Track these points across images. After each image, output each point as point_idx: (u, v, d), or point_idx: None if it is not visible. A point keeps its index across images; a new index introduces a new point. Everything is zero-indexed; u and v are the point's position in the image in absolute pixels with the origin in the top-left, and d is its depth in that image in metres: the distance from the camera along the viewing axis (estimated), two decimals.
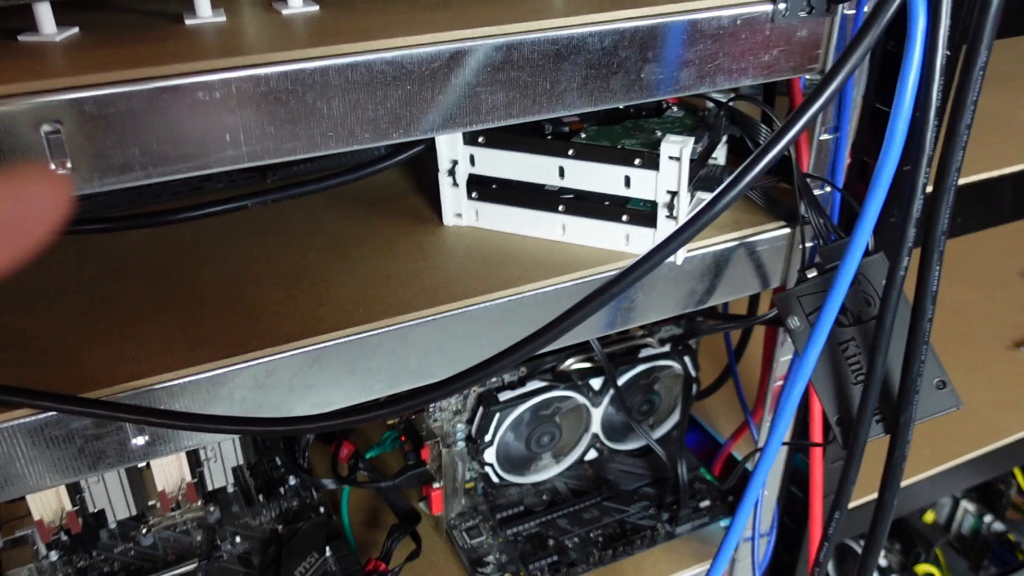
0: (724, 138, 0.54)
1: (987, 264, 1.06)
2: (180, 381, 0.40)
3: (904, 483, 0.76)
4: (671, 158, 0.46)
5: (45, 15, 0.37)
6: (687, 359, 0.68)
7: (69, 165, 0.34)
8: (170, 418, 0.38)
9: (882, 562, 1.01)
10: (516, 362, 0.38)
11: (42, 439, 0.38)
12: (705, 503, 0.69)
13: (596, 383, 0.66)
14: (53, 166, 0.33)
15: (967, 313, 0.98)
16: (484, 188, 0.51)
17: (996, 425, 0.81)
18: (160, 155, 0.35)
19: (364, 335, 0.43)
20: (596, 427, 0.68)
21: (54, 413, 0.38)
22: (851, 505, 0.67)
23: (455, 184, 0.51)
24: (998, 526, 1.06)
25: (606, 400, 0.67)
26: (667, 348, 0.67)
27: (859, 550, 0.98)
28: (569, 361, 0.65)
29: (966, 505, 1.09)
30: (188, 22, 0.40)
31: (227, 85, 0.35)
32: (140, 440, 0.40)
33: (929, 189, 0.41)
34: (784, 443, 0.53)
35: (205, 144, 0.36)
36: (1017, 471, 1.06)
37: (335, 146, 0.38)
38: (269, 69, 0.36)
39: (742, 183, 0.38)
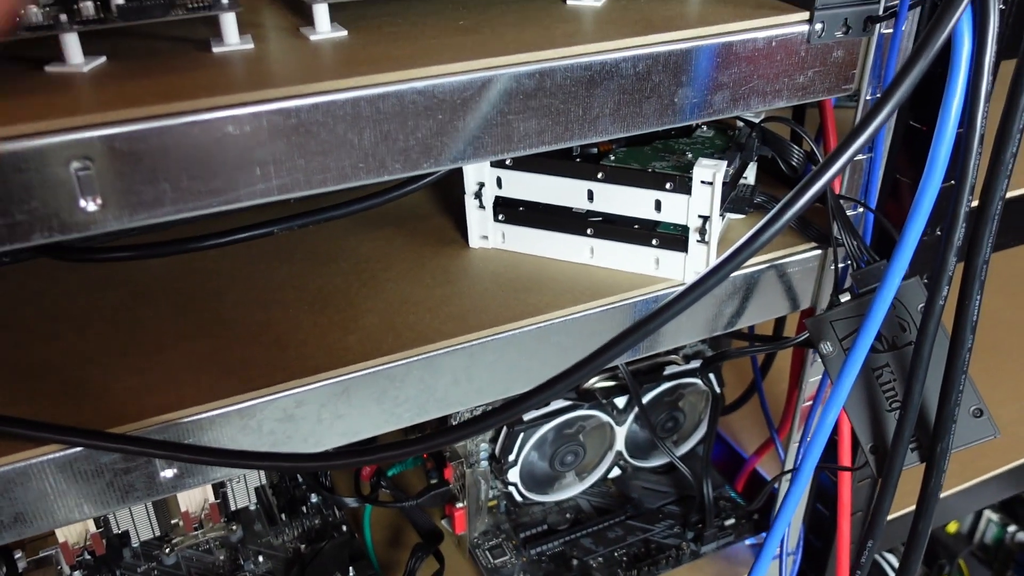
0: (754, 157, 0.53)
1: (1016, 273, 1.04)
2: (209, 414, 0.40)
3: None
4: (703, 182, 0.45)
5: (72, 46, 0.36)
6: (712, 376, 0.67)
7: (99, 202, 0.33)
8: (200, 454, 0.38)
9: None
10: (550, 398, 0.38)
11: (72, 473, 0.38)
12: (731, 521, 0.68)
13: (620, 401, 0.65)
14: (82, 202, 0.33)
15: (995, 323, 0.96)
16: (511, 210, 0.50)
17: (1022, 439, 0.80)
18: (190, 190, 0.35)
19: (393, 365, 0.43)
20: (620, 445, 0.68)
21: (83, 448, 0.37)
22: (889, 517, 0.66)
23: (481, 206, 0.51)
24: (1022, 536, 1.05)
25: (630, 418, 0.67)
26: (692, 366, 0.66)
27: (883, 563, 0.97)
28: (593, 379, 0.65)
29: (990, 515, 1.08)
30: (216, 50, 0.39)
31: (257, 119, 0.34)
32: (169, 473, 0.40)
33: (974, 203, 0.40)
34: (819, 467, 0.52)
35: (235, 178, 0.35)
36: None
37: (365, 177, 0.38)
38: (300, 101, 0.35)
39: (788, 214, 0.38)
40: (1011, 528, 1.06)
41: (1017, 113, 0.36)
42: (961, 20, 0.36)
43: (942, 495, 0.77)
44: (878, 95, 0.47)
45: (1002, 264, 1.05)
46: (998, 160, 0.37)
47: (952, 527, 1.08)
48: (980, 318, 0.96)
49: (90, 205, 0.33)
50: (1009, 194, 0.59)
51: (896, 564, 1.00)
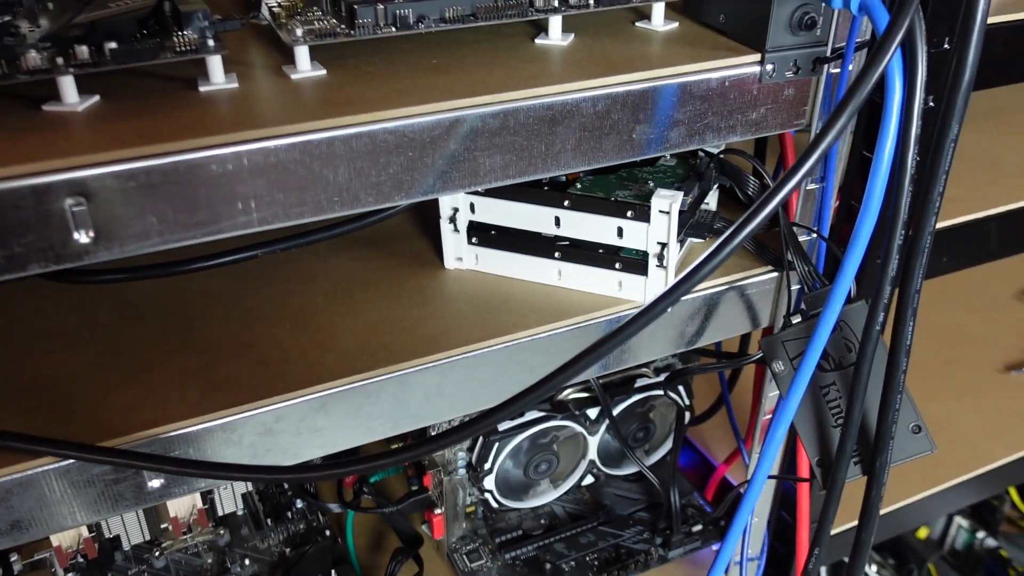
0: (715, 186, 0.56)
1: (982, 286, 1.08)
2: (194, 428, 0.42)
3: (896, 505, 0.79)
4: (661, 212, 0.48)
5: (68, 87, 0.39)
6: (681, 389, 0.70)
7: (92, 234, 0.36)
8: (184, 466, 0.40)
9: None
10: (514, 412, 0.41)
11: (66, 484, 0.41)
12: (697, 527, 0.71)
13: (592, 412, 0.68)
14: (76, 236, 0.36)
15: (960, 336, 0.99)
16: (484, 234, 0.53)
17: (985, 451, 0.83)
18: (176, 223, 0.37)
19: (367, 382, 0.46)
20: (593, 454, 0.71)
21: (75, 461, 0.40)
22: (845, 527, 0.69)
23: (456, 230, 0.53)
24: (991, 542, 1.08)
25: (602, 428, 0.69)
26: (661, 379, 0.69)
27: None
28: (566, 391, 0.68)
29: (960, 521, 1.10)
30: (202, 89, 0.42)
31: (239, 157, 0.37)
32: (156, 483, 0.43)
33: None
34: (770, 476, 0.55)
35: (218, 211, 0.38)
36: (1011, 489, 1.08)
37: (340, 210, 0.40)
38: (278, 141, 0.38)
39: (733, 244, 0.40)
40: (980, 534, 1.09)
41: (943, 154, 0.39)
42: (892, 65, 0.39)
43: (906, 502, 0.80)
44: None
45: (968, 280, 1.08)
46: (926, 199, 0.40)
47: (922, 533, 1.11)
48: (949, 332, 0.99)
49: (83, 237, 0.36)
50: (965, 219, 0.62)
51: (871, 571, 1.03)
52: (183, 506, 0.64)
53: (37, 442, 0.39)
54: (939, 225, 0.61)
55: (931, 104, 0.51)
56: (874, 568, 1.04)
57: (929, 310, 1.05)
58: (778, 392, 0.61)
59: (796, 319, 0.51)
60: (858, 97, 0.37)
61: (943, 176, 0.39)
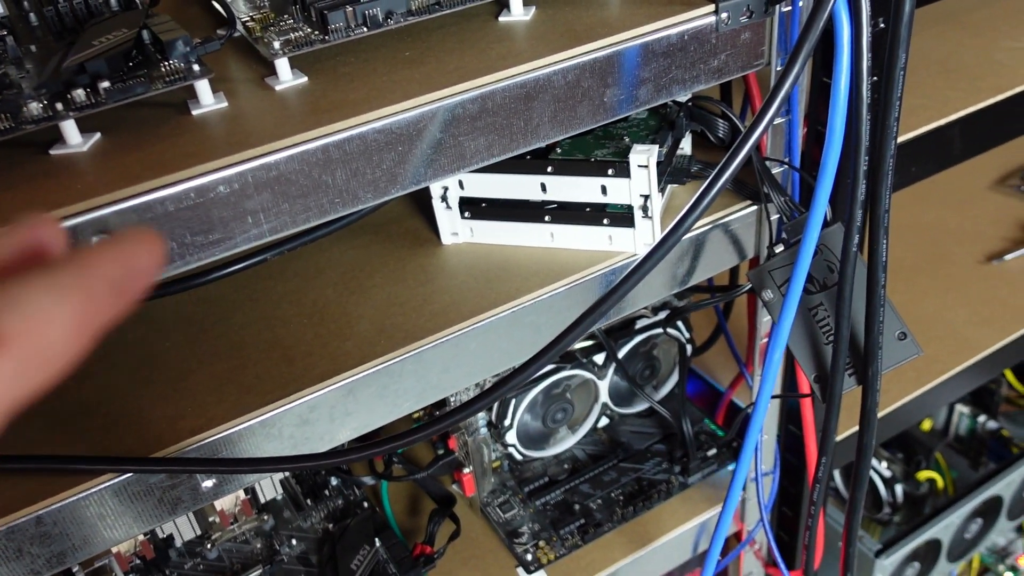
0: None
1: (957, 182, 1.11)
2: (235, 429, 0.46)
3: (897, 404, 0.83)
4: (640, 166, 0.51)
5: (71, 130, 0.42)
6: (680, 324, 0.73)
7: None
8: (235, 464, 0.44)
9: (886, 472, 1.08)
10: (528, 379, 0.44)
11: (126, 496, 0.44)
12: (712, 451, 0.75)
13: (599, 358, 0.72)
14: None
15: (940, 231, 1.03)
16: (475, 208, 0.56)
17: (975, 341, 0.87)
18: (194, 244, 0.40)
19: (389, 363, 0.49)
20: (604, 397, 0.74)
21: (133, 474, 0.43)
22: (849, 432, 0.73)
23: (448, 207, 0.56)
24: (992, 424, 1.13)
25: (610, 371, 0.73)
26: (661, 316, 0.72)
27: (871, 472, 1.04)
28: None
29: (961, 408, 1.15)
30: (195, 112, 0.44)
31: (243, 176, 0.40)
32: (209, 483, 0.46)
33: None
34: (773, 396, 0.59)
35: (231, 228, 0.41)
36: (1007, 372, 1.12)
37: (342, 210, 0.43)
38: (277, 156, 0.40)
39: (713, 191, 0.43)
40: (981, 418, 1.13)
41: (895, 83, 0.41)
42: (837, 5, 0.42)
43: (911, 397, 0.84)
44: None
45: (942, 177, 1.11)
46: (884, 125, 0.42)
47: (926, 425, 1.16)
48: (930, 229, 1.02)
49: None
50: (928, 128, 0.65)
51: (881, 467, 1.08)
52: (227, 499, 0.68)
53: (98, 461, 0.42)
54: (905, 137, 0.64)
55: (882, 26, 0.54)
56: (884, 464, 1.08)
57: (909, 212, 1.08)
58: (770, 318, 0.64)
59: (779, 248, 0.54)
60: (809, 42, 0.40)
61: (897, 103, 0.42)
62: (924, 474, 1.09)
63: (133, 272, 0.24)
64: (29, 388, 0.21)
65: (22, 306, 0.21)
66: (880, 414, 0.78)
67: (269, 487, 0.71)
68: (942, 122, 0.65)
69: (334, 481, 0.75)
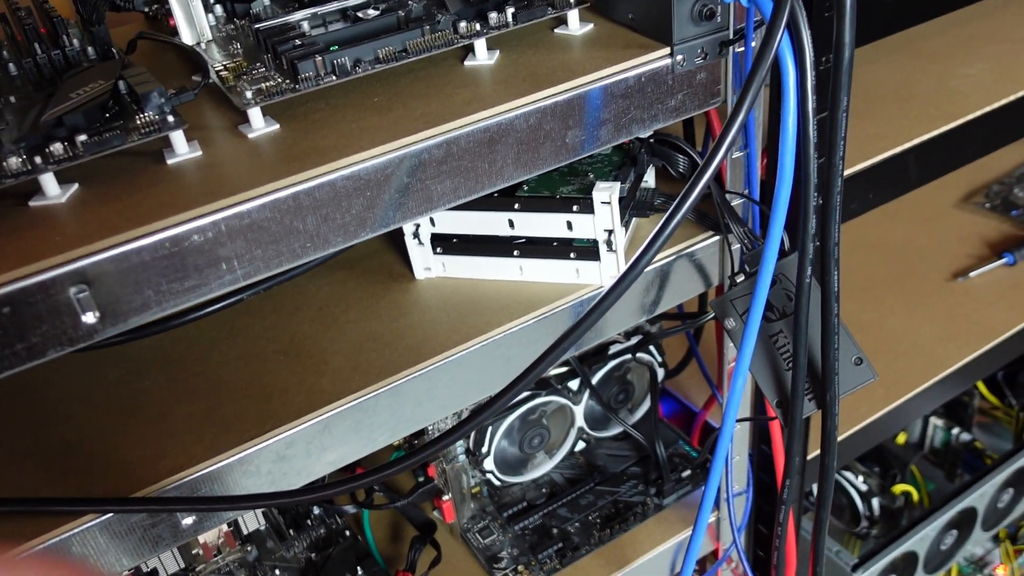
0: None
1: (923, 199, 1.13)
2: (214, 467, 0.47)
3: (871, 418, 0.84)
4: (603, 203, 0.53)
5: (50, 183, 0.43)
6: (652, 348, 0.75)
7: (98, 314, 0.40)
8: (213, 503, 0.45)
9: (862, 486, 1.09)
10: (502, 407, 0.45)
11: (108, 535, 0.45)
12: (686, 472, 0.77)
13: (574, 384, 0.73)
14: (84, 318, 0.40)
15: (906, 250, 1.05)
16: (447, 243, 0.58)
17: (943, 356, 0.89)
18: (170, 291, 0.42)
19: (363, 398, 0.50)
20: (580, 421, 0.76)
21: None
22: (816, 453, 0.75)
23: (421, 244, 0.58)
24: (965, 436, 1.15)
25: (585, 396, 0.75)
26: (633, 342, 0.74)
27: (843, 482, 1.06)
28: None
29: (935, 421, 1.17)
30: (170, 162, 0.45)
31: (216, 225, 0.41)
32: (189, 520, 0.47)
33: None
34: (738, 420, 0.61)
35: (206, 275, 0.42)
36: (979, 384, 1.15)
37: (314, 254, 0.45)
38: (249, 204, 0.42)
39: (672, 224, 0.45)
40: (955, 430, 1.15)
41: (838, 124, 0.43)
42: (782, 49, 0.44)
43: (883, 412, 0.86)
44: None
45: (912, 195, 1.14)
46: (831, 163, 0.44)
47: (901, 438, 1.18)
48: (895, 247, 1.04)
49: (90, 319, 0.40)
50: (883, 156, 0.67)
51: (858, 481, 1.10)
52: (210, 532, 0.69)
53: (79, 503, 0.44)
54: (862, 165, 0.66)
55: (827, 64, 0.56)
56: (860, 478, 1.10)
57: (877, 230, 1.10)
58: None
59: (740, 277, 0.56)
60: (754, 88, 0.42)
61: (841, 142, 0.44)
62: (900, 487, 1.10)
63: None
64: None
65: None
66: (853, 429, 0.81)
67: (251, 519, 0.72)
68: (898, 150, 0.67)
69: (316, 511, 0.76)
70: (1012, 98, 0.72)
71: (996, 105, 0.71)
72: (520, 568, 0.71)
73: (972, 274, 0.98)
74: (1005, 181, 1.13)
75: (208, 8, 0.57)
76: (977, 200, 1.11)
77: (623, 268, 0.55)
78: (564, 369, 0.73)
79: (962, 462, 1.16)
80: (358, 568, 0.70)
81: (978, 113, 0.70)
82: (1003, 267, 0.99)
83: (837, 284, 0.48)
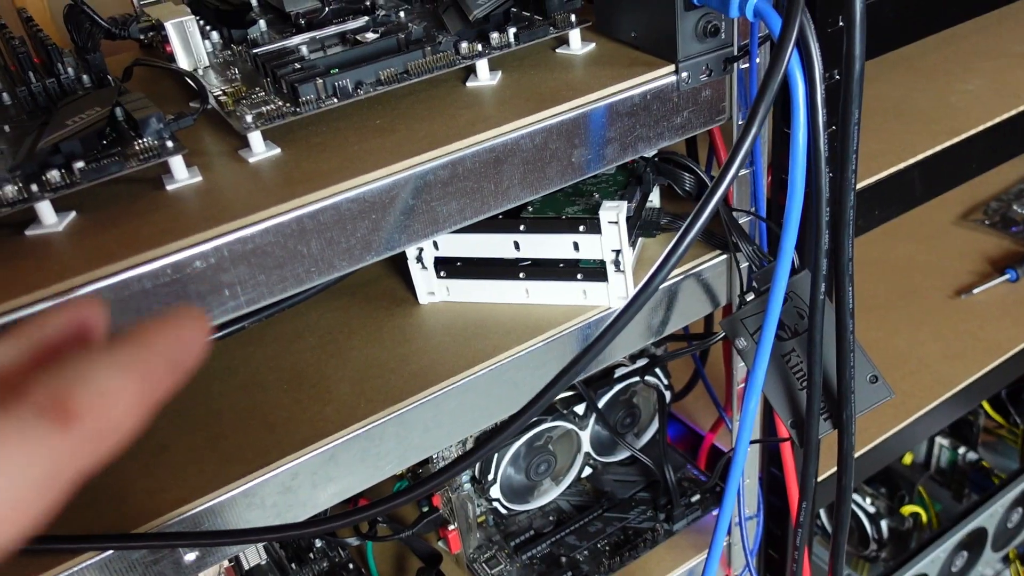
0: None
1: (923, 216, 1.13)
2: (217, 500, 0.46)
3: (877, 440, 0.84)
4: (610, 223, 0.52)
5: (46, 211, 0.42)
6: (658, 371, 0.74)
7: None
8: (217, 538, 0.44)
9: (870, 508, 1.08)
10: (511, 436, 0.44)
11: (109, 572, 0.44)
12: (696, 497, 0.75)
13: (580, 409, 0.72)
14: None
15: (909, 268, 1.04)
16: (450, 267, 0.57)
17: (948, 375, 0.88)
18: None
19: (369, 427, 0.49)
20: (587, 447, 0.75)
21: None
22: (830, 472, 0.74)
23: (424, 267, 0.57)
24: (972, 455, 1.13)
25: (591, 421, 0.73)
26: (640, 364, 0.73)
27: (852, 504, 1.05)
28: None
29: (941, 441, 1.16)
30: (169, 188, 0.45)
31: (219, 251, 0.40)
32: (191, 556, 0.46)
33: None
34: (752, 442, 0.60)
35: (209, 301, 0.41)
36: (984, 402, 1.14)
37: (318, 278, 0.44)
38: (252, 229, 0.41)
39: (681, 248, 0.44)
40: (961, 450, 1.14)
41: (850, 138, 0.43)
42: (791, 66, 0.43)
43: (889, 434, 0.85)
44: None
45: (912, 213, 1.13)
46: (843, 178, 0.44)
47: (907, 459, 1.17)
48: (899, 266, 1.04)
49: None
50: (888, 172, 0.67)
51: (866, 503, 1.09)
52: (211, 569, 0.67)
53: (78, 540, 0.42)
54: (867, 181, 0.65)
55: (837, 77, 0.56)
56: (868, 500, 1.09)
57: (879, 247, 1.10)
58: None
59: (750, 296, 0.55)
60: (765, 103, 0.41)
61: (853, 156, 0.43)
62: (908, 508, 1.09)
63: (185, 348, 0.26)
64: (94, 460, 0.22)
65: (90, 383, 0.22)
66: (861, 451, 0.80)
67: (253, 554, 0.71)
68: (902, 166, 0.67)
69: (319, 543, 0.74)
70: (1012, 113, 0.72)
71: (997, 120, 0.71)
72: None
73: (975, 291, 0.97)
74: (1003, 198, 1.13)
75: (204, 35, 0.57)
76: (976, 217, 1.11)
77: (631, 289, 0.54)
78: (569, 393, 0.72)
79: (969, 482, 1.15)
80: None
81: (980, 128, 0.70)
82: (1006, 283, 0.98)
83: (852, 300, 0.48)
